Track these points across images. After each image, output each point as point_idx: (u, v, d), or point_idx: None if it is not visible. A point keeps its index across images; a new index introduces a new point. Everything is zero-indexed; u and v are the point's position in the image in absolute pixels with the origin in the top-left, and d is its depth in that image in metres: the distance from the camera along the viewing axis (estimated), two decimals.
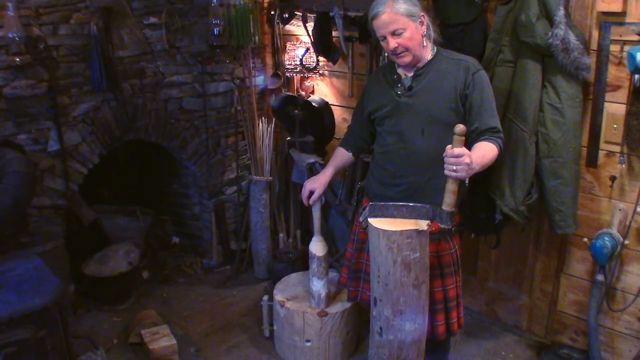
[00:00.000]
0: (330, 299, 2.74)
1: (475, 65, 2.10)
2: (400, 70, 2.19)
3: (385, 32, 2.04)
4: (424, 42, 2.09)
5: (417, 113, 2.11)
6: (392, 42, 2.03)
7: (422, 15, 2.07)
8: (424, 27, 2.08)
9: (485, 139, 2.04)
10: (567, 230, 2.47)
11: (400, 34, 2.02)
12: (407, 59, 2.08)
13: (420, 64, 2.12)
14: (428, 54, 2.13)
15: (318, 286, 2.67)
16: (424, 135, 2.11)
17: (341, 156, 2.50)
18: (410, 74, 2.15)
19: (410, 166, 2.16)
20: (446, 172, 1.83)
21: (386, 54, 2.49)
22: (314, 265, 2.69)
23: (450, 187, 1.87)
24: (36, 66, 2.60)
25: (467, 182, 1.90)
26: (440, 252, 2.18)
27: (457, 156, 1.79)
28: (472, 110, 2.07)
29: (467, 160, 1.79)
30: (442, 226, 1.97)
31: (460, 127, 1.79)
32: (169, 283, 3.54)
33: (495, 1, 2.54)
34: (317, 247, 2.69)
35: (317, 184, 2.50)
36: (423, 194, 2.11)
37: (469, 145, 2.00)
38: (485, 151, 2.00)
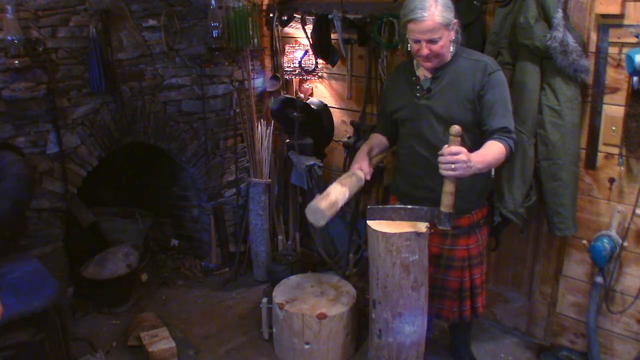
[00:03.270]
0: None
1: (493, 65, 2.11)
2: (419, 72, 2.20)
3: (421, 38, 2.02)
4: (451, 47, 2.10)
5: (436, 115, 2.12)
6: (426, 50, 2.03)
7: (455, 22, 2.06)
8: (453, 33, 2.08)
9: (494, 139, 2.05)
10: (566, 233, 2.47)
11: (435, 42, 2.01)
12: (432, 63, 2.09)
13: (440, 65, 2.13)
14: (449, 55, 2.14)
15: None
16: (445, 138, 2.11)
17: (376, 138, 2.41)
18: (429, 75, 2.16)
19: (434, 168, 2.15)
20: (443, 172, 1.84)
21: (410, 54, 2.33)
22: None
23: (447, 188, 1.87)
24: (35, 69, 2.59)
25: (492, 173, 1.91)
26: (470, 245, 2.25)
27: (454, 154, 1.79)
28: (484, 110, 2.08)
29: (463, 157, 1.80)
30: (441, 227, 1.97)
31: (455, 128, 1.80)
32: (168, 285, 3.54)
33: (494, 3, 2.54)
34: None
35: (360, 162, 2.28)
36: None
37: (480, 144, 2.03)
38: (489, 150, 2.01)
